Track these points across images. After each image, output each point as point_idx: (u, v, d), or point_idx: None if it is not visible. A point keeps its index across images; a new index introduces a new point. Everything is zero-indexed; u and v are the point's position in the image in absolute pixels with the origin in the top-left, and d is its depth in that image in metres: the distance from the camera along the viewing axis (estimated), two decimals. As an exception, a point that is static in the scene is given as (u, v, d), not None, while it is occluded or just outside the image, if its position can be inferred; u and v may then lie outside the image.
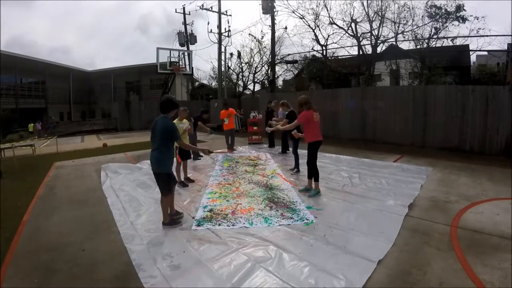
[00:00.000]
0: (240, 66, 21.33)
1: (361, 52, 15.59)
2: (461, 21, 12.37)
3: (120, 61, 78.19)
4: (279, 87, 23.60)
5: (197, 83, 26.69)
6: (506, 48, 13.30)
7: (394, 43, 14.99)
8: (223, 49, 17.56)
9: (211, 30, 17.38)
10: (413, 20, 13.52)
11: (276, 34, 15.79)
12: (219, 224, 3.42)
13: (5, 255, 2.88)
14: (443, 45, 13.09)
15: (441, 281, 2.25)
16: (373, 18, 14.50)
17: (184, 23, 21.13)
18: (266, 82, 21.04)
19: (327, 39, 16.04)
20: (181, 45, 20.18)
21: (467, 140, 7.49)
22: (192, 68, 18.50)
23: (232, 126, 8.67)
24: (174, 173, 3.94)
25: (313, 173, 4.51)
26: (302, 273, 2.40)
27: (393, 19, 13.99)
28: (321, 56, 17.22)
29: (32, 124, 13.56)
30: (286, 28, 17.65)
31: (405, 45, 15.15)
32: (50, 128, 18.79)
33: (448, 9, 12.53)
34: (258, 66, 20.89)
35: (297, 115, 4.90)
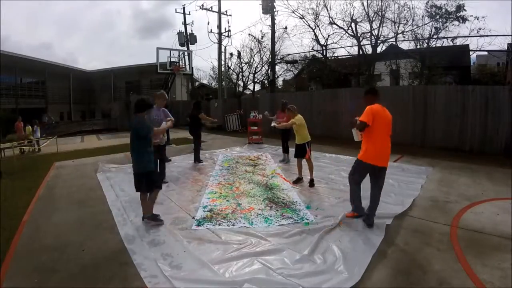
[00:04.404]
0: (240, 66, 21.36)
1: (361, 52, 15.58)
2: (461, 21, 12.35)
3: (102, 59, 76.73)
4: (279, 87, 23.60)
5: (197, 83, 26.69)
6: (506, 48, 13.29)
7: (394, 43, 14.98)
8: (223, 49, 17.57)
9: (211, 30, 17.39)
10: (413, 20, 13.51)
11: (276, 34, 15.82)
12: (219, 224, 3.42)
13: (5, 255, 2.88)
14: (443, 45, 13.08)
15: (441, 281, 2.26)
16: (373, 18, 14.49)
17: (184, 23, 21.12)
18: (266, 82, 21.05)
19: (327, 39, 16.04)
20: (181, 45, 20.16)
21: (467, 140, 7.50)
22: (192, 68, 18.49)
23: None
24: None
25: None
26: (303, 272, 2.41)
27: (393, 19, 13.98)
28: (321, 56, 17.21)
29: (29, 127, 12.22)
30: (286, 28, 17.59)
31: (405, 45, 15.15)
32: (49, 128, 18.76)
33: (448, 9, 12.53)
34: (258, 66, 20.92)
35: None
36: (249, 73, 21.45)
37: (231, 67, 21.43)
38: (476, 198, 4.04)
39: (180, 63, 16.36)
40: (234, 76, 22.50)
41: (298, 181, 5.12)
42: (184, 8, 21.04)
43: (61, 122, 24.97)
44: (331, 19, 15.27)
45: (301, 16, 15.99)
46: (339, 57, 17.07)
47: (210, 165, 6.79)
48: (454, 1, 12.30)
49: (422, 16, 13.31)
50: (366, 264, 2.48)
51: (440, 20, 12.72)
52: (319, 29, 16.02)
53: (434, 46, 13.25)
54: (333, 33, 15.83)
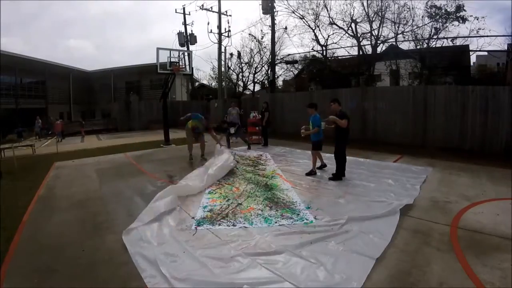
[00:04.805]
0: (240, 66, 21.37)
1: (361, 52, 15.58)
2: (461, 21, 12.35)
3: (96, 59, 75.05)
4: (279, 87, 23.60)
5: (197, 83, 26.69)
6: (506, 48, 13.28)
7: (394, 43, 14.97)
8: (223, 49, 17.56)
9: (211, 30, 17.38)
10: (413, 20, 13.50)
11: (276, 34, 15.81)
12: (219, 224, 3.42)
13: (5, 255, 2.88)
14: (443, 45, 13.07)
15: (441, 281, 2.25)
16: (373, 18, 14.50)
17: (184, 23, 21.16)
18: (266, 82, 21.05)
19: (327, 39, 16.03)
20: (181, 45, 20.17)
21: (467, 140, 7.49)
22: (192, 68, 18.49)
23: None
24: None
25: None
26: (303, 272, 2.40)
27: (393, 19, 13.98)
28: (321, 57, 17.20)
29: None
30: (286, 28, 17.57)
31: (405, 45, 15.12)
32: (49, 129, 18.74)
33: (448, 9, 12.53)
34: (258, 66, 20.93)
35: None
36: (249, 73, 21.48)
37: (231, 67, 21.45)
38: (476, 198, 4.03)
39: (180, 63, 16.36)
40: (234, 76, 22.54)
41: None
42: (184, 8, 21.07)
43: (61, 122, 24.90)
44: (331, 19, 15.28)
45: (301, 16, 16.01)
46: (339, 57, 17.07)
47: (210, 165, 6.78)
48: (454, 1, 12.32)
49: (422, 17, 13.32)
50: (369, 267, 2.44)
51: (440, 20, 12.73)
52: (319, 29, 16.04)
53: (434, 46, 13.25)
54: (333, 33, 15.83)
